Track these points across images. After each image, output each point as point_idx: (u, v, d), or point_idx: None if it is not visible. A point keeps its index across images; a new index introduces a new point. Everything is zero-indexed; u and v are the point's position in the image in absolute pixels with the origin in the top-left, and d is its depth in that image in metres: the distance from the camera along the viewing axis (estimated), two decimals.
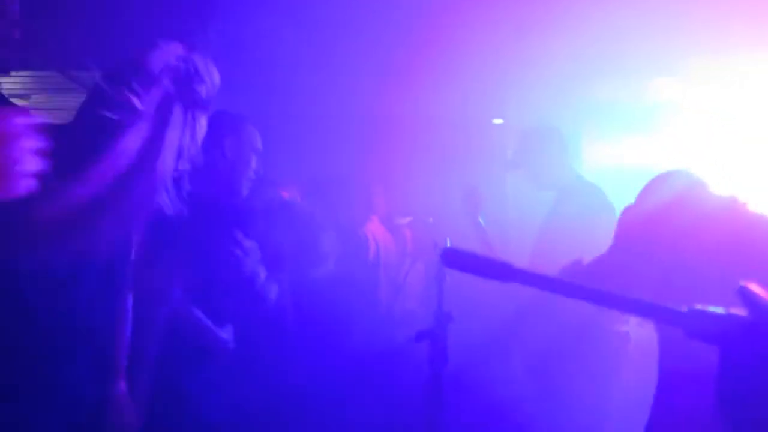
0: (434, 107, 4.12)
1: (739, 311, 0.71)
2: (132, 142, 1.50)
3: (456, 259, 1.02)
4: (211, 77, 1.69)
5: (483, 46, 3.86)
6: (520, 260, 3.12)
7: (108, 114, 1.49)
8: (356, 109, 4.00)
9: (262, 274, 2.23)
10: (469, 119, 4.34)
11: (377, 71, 3.89)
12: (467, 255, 1.01)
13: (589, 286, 0.87)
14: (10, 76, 3.69)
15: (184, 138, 1.64)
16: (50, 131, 1.24)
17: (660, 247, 1.84)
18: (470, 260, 1.00)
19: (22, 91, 4.57)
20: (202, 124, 1.73)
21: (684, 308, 0.77)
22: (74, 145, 1.47)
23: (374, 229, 3.64)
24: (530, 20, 3.75)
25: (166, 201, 1.64)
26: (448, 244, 1.74)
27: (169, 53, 1.60)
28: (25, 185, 1.14)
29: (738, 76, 3.92)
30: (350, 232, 3.45)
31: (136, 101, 1.51)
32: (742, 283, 0.70)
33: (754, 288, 0.70)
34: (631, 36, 3.70)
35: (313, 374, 2.41)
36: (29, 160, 1.14)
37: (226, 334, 2.17)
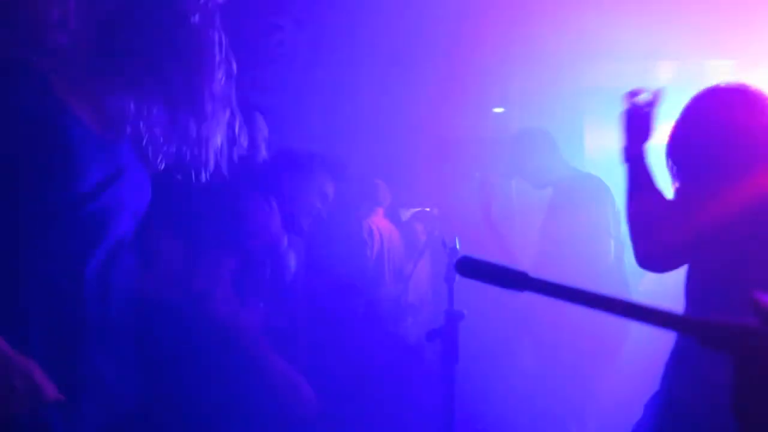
0: (436, 97, 4.12)
1: (754, 322, 0.73)
2: None
3: (471, 268, 1.03)
4: None
5: (483, 35, 3.85)
6: (526, 254, 3.12)
7: None
8: (359, 103, 4.00)
9: (284, 240, 2.29)
10: (470, 108, 4.34)
11: (379, 63, 3.89)
12: (482, 264, 1.02)
13: (605, 295, 0.88)
14: None
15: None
16: None
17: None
18: (485, 269, 1.02)
19: None
20: None
21: (698, 318, 0.78)
22: None
23: (378, 222, 3.64)
24: (529, 7, 3.75)
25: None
26: (457, 244, 1.76)
27: None
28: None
29: (739, 59, 3.92)
30: (354, 225, 3.46)
31: None
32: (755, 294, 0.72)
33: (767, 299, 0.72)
34: (632, 20, 3.70)
35: (319, 370, 2.40)
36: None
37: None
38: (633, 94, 1.91)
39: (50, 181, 1.39)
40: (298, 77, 3.82)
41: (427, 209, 4.13)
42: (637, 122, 1.88)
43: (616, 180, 3.69)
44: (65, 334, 1.44)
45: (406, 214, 4.08)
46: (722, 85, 1.82)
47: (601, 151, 4.32)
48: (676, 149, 1.84)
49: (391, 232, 3.67)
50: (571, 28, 3.76)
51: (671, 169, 1.85)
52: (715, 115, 1.76)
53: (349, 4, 3.47)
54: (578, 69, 4.17)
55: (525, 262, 3.20)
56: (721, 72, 3.91)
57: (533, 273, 1.00)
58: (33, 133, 1.37)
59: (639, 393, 1.94)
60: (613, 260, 3.06)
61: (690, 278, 1.78)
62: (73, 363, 1.44)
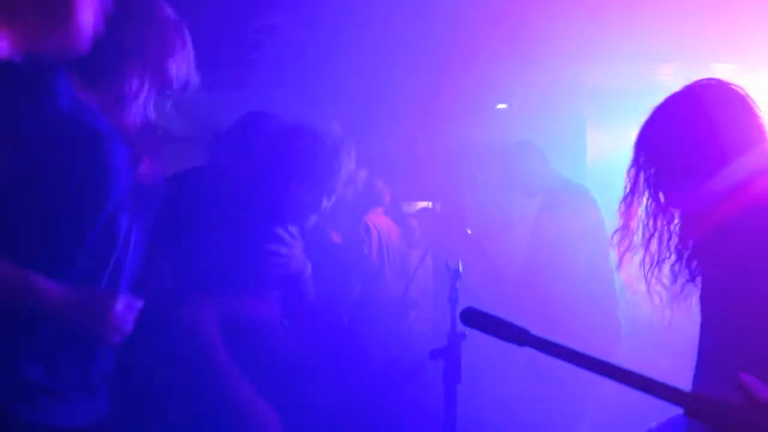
0: (438, 93, 4.14)
1: (738, 400, 0.78)
2: None
3: (474, 320, 1.09)
4: None
5: (487, 32, 3.86)
6: (516, 261, 3.17)
7: None
8: (359, 99, 4.02)
9: (307, 270, 2.30)
10: (473, 105, 4.36)
11: (381, 61, 3.91)
12: (486, 316, 1.08)
13: (599, 359, 0.94)
14: None
15: None
16: None
17: None
18: (488, 322, 1.07)
19: None
20: None
21: (687, 390, 0.84)
22: None
23: (377, 220, 3.66)
24: (535, 5, 3.75)
25: None
26: (460, 267, 1.81)
27: None
28: None
29: (742, 62, 3.93)
30: (352, 223, 3.48)
31: None
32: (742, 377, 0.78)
33: (752, 382, 0.77)
34: (636, 22, 3.71)
35: (320, 376, 2.39)
36: None
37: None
38: None
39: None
40: (301, 77, 3.84)
41: (429, 205, 4.16)
42: None
43: (616, 180, 3.73)
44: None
45: (407, 209, 4.10)
46: (702, 81, 1.63)
47: (603, 151, 4.36)
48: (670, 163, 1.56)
49: (391, 230, 3.69)
50: (577, 27, 3.77)
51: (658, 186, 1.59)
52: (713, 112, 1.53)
53: (351, 4, 3.48)
54: (582, 69, 4.18)
55: (513, 268, 3.28)
56: (723, 75, 3.92)
57: (534, 330, 1.06)
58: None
59: (638, 410, 1.99)
60: (597, 268, 3.14)
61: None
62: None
